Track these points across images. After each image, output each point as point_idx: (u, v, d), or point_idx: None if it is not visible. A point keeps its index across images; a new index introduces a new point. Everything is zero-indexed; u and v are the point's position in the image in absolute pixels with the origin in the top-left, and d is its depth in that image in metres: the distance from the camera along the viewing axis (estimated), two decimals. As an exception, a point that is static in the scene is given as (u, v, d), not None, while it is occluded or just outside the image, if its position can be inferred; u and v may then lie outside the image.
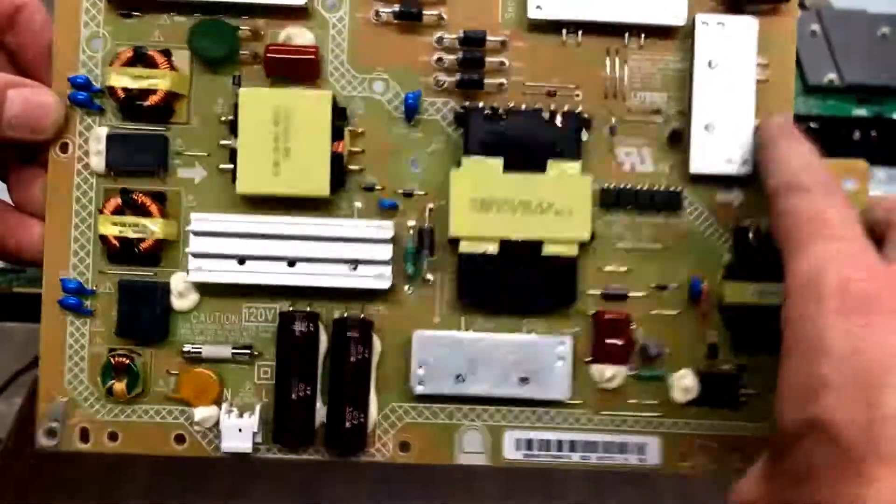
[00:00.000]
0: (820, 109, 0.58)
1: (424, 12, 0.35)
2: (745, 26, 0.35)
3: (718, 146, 0.35)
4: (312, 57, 0.35)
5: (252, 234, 0.34)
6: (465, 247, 0.35)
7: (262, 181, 0.34)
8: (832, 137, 0.59)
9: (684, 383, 0.35)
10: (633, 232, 0.36)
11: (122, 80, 0.34)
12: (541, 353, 0.35)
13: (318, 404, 0.35)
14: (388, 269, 0.35)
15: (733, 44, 0.35)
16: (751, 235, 0.35)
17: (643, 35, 0.36)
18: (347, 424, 0.34)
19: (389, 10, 0.35)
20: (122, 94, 0.35)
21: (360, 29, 0.36)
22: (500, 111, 0.35)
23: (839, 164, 0.36)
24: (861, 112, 0.58)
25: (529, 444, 0.36)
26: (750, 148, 0.35)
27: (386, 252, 0.35)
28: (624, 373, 0.35)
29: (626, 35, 0.36)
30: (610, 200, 0.36)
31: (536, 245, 0.35)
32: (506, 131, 0.35)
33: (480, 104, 0.35)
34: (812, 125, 0.57)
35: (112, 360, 0.35)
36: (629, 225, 0.36)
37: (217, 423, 0.35)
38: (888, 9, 0.56)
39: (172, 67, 0.35)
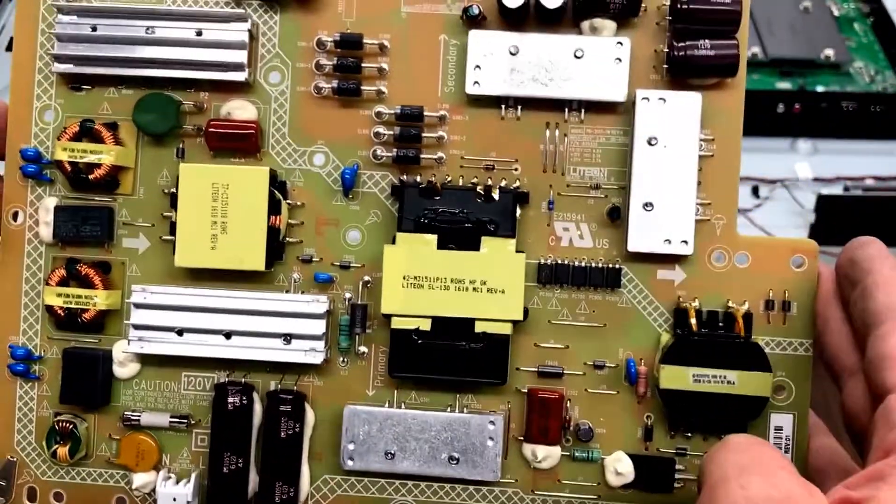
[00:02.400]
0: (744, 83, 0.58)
1: (364, 87, 0.35)
2: (688, 102, 0.34)
3: (657, 225, 0.34)
4: (252, 132, 0.35)
5: (190, 308, 0.35)
6: (396, 323, 0.35)
7: (199, 255, 0.35)
8: (757, 111, 0.59)
9: (619, 466, 0.35)
10: (569, 308, 0.35)
11: (67, 154, 0.35)
12: (471, 432, 0.35)
13: (252, 474, 0.35)
14: (320, 344, 0.35)
15: (675, 120, 0.34)
16: (692, 321, 0.34)
17: (583, 109, 0.35)
18: (277, 499, 0.35)
19: (329, 85, 0.35)
20: (69, 168, 0.36)
21: (300, 102, 0.36)
22: (436, 184, 0.35)
23: (788, 243, 0.35)
24: (785, 85, 0.59)
25: (460, 521, 0.35)
26: (691, 227, 0.34)
27: (319, 327, 0.35)
28: (557, 453, 0.35)
29: (566, 109, 0.35)
30: (547, 276, 0.35)
31: (469, 322, 0.34)
32: (440, 208, 0.35)
33: (417, 178, 0.35)
34: None
35: (56, 425, 0.36)
36: (566, 301, 0.35)
37: (153, 492, 0.36)
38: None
39: (117, 140, 0.36)
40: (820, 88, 0.62)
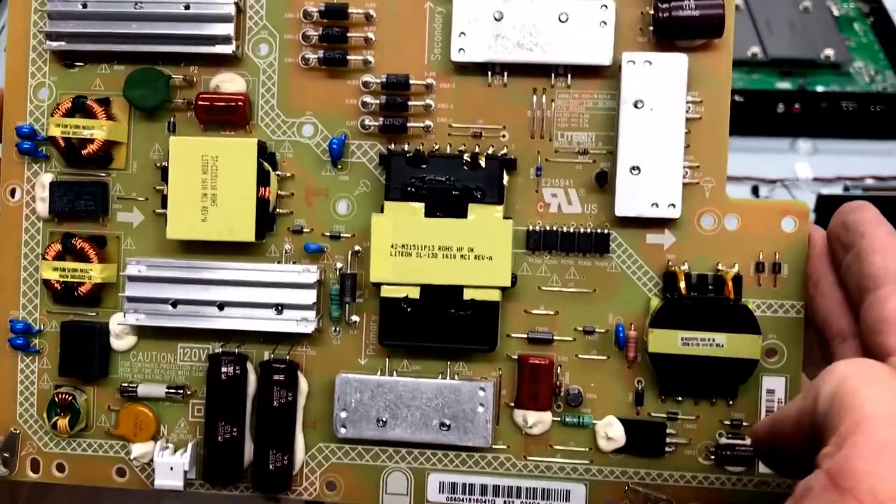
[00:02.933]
0: (744, 83, 0.60)
1: (350, 57, 0.36)
2: (674, 64, 0.34)
3: (644, 189, 0.34)
4: (240, 104, 0.36)
5: (183, 280, 0.36)
6: (386, 291, 0.35)
7: (190, 228, 0.35)
8: (756, 111, 0.60)
9: (610, 431, 0.35)
10: (559, 274, 0.35)
11: (61, 130, 0.36)
12: (462, 399, 0.35)
13: (248, 443, 0.36)
14: (311, 314, 0.35)
15: (662, 82, 0.34)
16: (681, 285, 0.34)
17: (569, 74, 0.35)
18: (271, 467, 0.35)
19: (316, 55, 0.36)
20: (62, 144, 0.36)
21: (288, 73, 0.36)
22: (422, 152, 0.35)
23: (779, 205, 0.35)
24: (785, 85, 0.60)
25: (453, 487, 0.36)
26: (678, 190, 0.34)
27: (310, 297, 0.35)
28: (548, 419, 0.35)
29: (553, 75, 0.35)
30: (535, 242, 0.35)
31: (458, 289, 0.34)
32: (427, 176, 0.35)
33: (405, 147, 0.35)
34: (737, 98, 0.58)
35: (56, 397, 0.37)
36: (555, 267, 0.35)
37: (151, 462, 0.36)
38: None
39: (110, 116, 0.36)
40: (820, 88, 0.62)
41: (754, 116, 0.62)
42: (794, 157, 0.66)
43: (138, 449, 0.36)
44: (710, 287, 0.34)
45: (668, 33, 0.34)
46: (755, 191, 0.64)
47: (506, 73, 0.35)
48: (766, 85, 0.62)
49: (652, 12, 0.34)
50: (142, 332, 0.37)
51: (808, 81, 0.61)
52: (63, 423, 0.36)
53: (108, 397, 0.37)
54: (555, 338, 0.35)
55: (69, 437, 0.37)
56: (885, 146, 0.66)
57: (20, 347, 0.37)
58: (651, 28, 0.34)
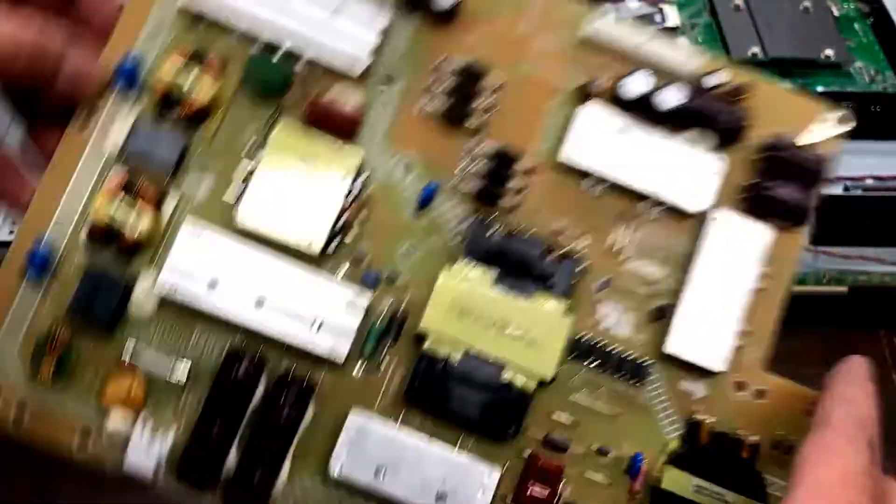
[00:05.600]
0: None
1: (468, 117, 0.36)
2: (758, 233, 0.36)
3: (698, 337, 0.35)
4: (352, 121, 0.36)
5: (231, 262, 0.34)
6: (429, 345, 0.34)
7: (262, 219, 0.34)
8: None
9: (595, 554, 0.34)
10: (591, 389, 0.36)
11: (171, 74, 0.35)
12: (465, 477, 0.34)
13: (233, 451, 0.34)
14: (348, 340, 0.34)
15: (741, 246, 0.36)
16: (703, 436, 0.35)
17: (662, 208, 0.37)
18: (253, 482, 0.33)
19: (437, 103, 0.36)
20: (163, 90, 0.35)
21: (405, 109, 0.37)
22: (509, 226, 0.35)
23: (806, 395, 0.37)
24: (785, 85, 0.62)
25: (426, 561, 0.34)
26: (728, 349, 0.35)
27: (353, 321, 0.34)
28: (541, 525, 0.35)
29: (646, 203, 0.37)
30: (579, 351, 0.36)
31: (498, 369, 0.34)
32: (508, 248, 0.35)
33: (491, 217, 0.36)
34: None
35: (48, 337, 0.34)
36: (590, 381, 0.36)
37: (126, 438, 0.34)
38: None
39: (219, 80, 0.36)
40: (820, 88, 0.60)
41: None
42: None
43: (115, 422, 0.34)
44: (729, 447, 0.35)
45: (758, 206, 0.36)
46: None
47: (601, 187, 0.37)
48: None
49: (751, 182, 0.36)
50: (164, 302, 0.35)
51: (808, 81, 0.60)
52: (47, 367, 0.34)
53: (103, 358, 0.35)
54: (570, 448, 0.35)
55: (46, 386, 0.34)
56: (885, 146, 0.64)
57: (32, 275, 0.34)
58: (745, 195, 0.37)
